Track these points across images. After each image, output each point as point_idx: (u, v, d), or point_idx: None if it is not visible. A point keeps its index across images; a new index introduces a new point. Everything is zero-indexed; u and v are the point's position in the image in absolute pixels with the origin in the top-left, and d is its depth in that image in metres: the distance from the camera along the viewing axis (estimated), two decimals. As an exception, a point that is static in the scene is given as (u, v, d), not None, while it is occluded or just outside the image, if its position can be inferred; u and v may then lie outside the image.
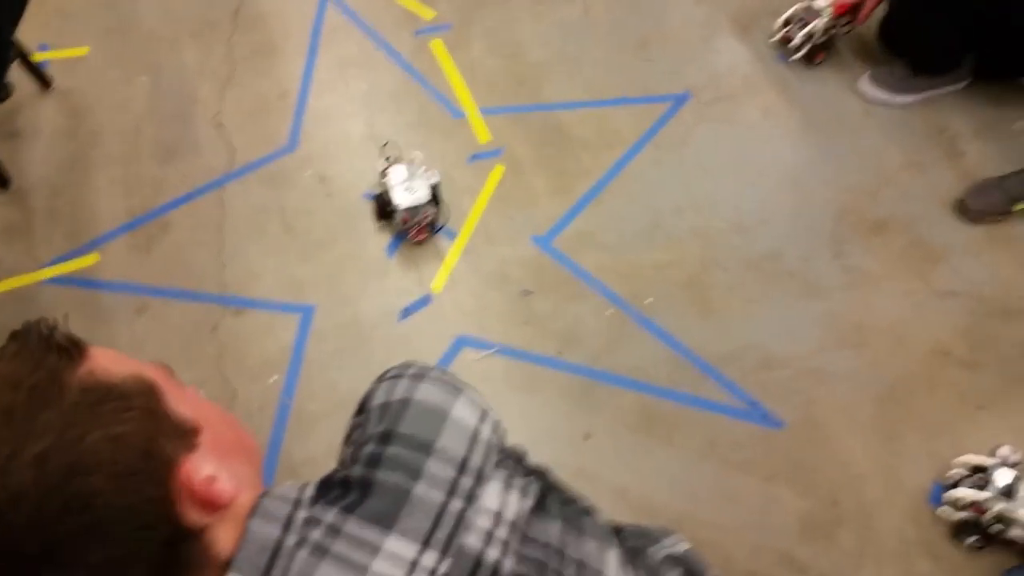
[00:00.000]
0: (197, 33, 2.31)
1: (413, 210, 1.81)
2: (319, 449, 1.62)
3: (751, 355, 1.77)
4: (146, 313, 1.78)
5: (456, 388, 0.86)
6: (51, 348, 0.62)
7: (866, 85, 2.23)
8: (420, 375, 0.86)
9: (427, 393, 0.83)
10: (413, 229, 1.85)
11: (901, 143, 2.14)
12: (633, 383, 1.73)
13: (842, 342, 1.80)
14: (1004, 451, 1.55)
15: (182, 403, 0.69)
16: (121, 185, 1.99)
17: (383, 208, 1.89)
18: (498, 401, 1.65)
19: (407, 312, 1.80)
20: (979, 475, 1.55)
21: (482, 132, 2.12)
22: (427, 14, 2.38)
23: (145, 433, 0.62)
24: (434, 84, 2.21)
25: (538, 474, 0.88)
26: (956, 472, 1.58)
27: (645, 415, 1.69)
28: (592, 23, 2.38)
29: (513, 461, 0.86)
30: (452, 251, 1.90)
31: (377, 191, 1.91)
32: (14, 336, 0.63)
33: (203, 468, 0.66)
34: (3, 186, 1.95)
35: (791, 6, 2.26)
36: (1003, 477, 1.50)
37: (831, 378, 1.75)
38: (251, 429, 1.61)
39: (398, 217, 1.83)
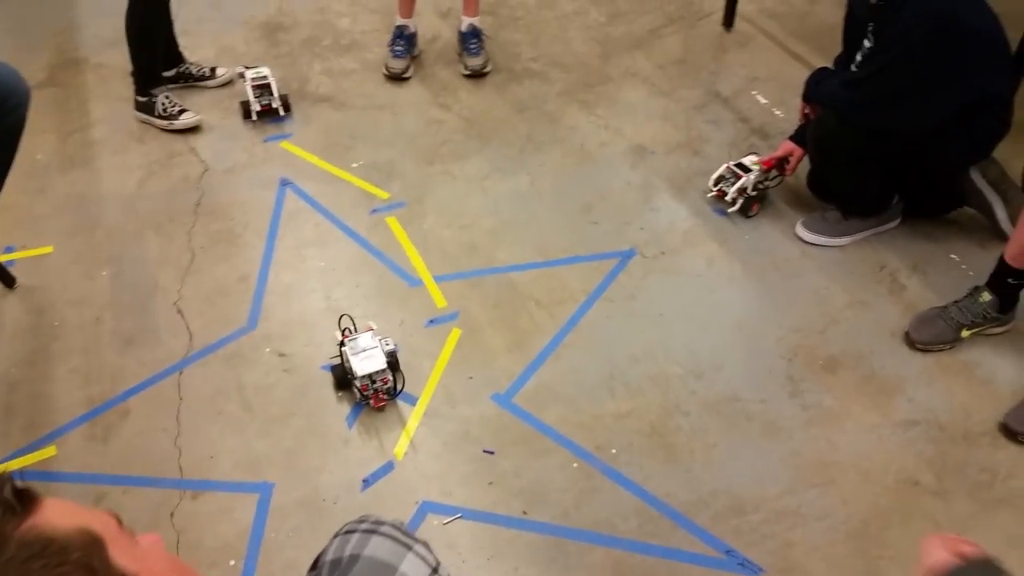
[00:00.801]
0: (159, 226, 2.40)
1: (371, 377, 1.83)
2: (279, 635, 1.54)
3: (721, 500, 1.75)
4: (103, 502, 1.73)
5: (407, 543, 0.86)
6: None
7: (802, 231, 2.35)
8: (372, 530, 0.86)
9: (376, 549, 0.83)
10: (372, 396, 1.86)
11: (843, 282, 2.23)
12: (603, 538, 1.68)
13: (810, 481, 1.78)
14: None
15: (126, 555, 0.68)
16: (81, 375, 1.99)
17: (342, 378, 1.91)
18: (466, 570, 1.61)
19: (369, 481, 1.77)
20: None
21: (438, 297, 2.18)
22: (382, 195, 2.51)
23: None
24: (390, 256, 2.30)
25: None
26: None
27: (619, 572, 1.63)
28: (538, 192, 2.52)
29: None
30: (413, 416, 1.90)
31: (336, 362, 1.93)
32: None
33: None
34: (-40, 385, 1.94)
35: (720, 165, 2.42)
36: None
37: (804, 519, 1.72)
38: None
39: (357, 385, 1.84)
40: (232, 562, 1.64)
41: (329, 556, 0.84)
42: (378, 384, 1.85)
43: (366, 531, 0.86)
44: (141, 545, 0.72)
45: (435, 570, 0.86)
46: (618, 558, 1.66)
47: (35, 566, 0.60)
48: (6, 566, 0.59)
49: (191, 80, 2.93)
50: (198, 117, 2.75)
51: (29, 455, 1.83)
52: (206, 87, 2.93)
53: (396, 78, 2.96)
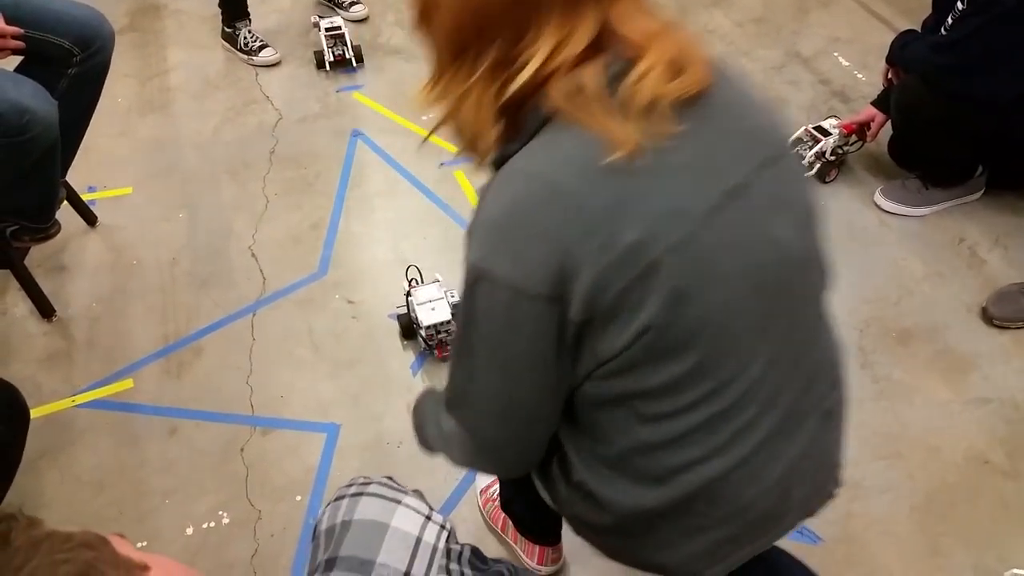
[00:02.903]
0: (234, 172, 2.45)
1: (436, 328, 1.85)
2: (342, 570, 1.59)
3: (782, 467, 1.73)
4: (177, 435, 1.80)
5: (395, 498, 0.88)
6: (3, 519, 0.67)
7: (881, 199, 2.28)
8: (360, 492, 0.88)
9: (365, 511, 0.85)
10: (437, 346, 1.89)
11: (920, 254, 2.16)
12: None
13: (876, 453, 1.75)
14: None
15: (131, 551, 0.71)
16: (157, 313, 2.06)
17: (408, 327, 1.93)
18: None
19: (431, 429, 1.81)
20: (1031, 588, 1.47)
21: (504, 253, 2.18)
22: (451, 148, 2.50)
23: (85, 559, 0.65)
24: (457, 210, 2.31)
25: (495, 572, 0.88)
26: (1007, 586, 1.51)
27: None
28: (608, 151, 2.49)
29: (462, 562, 0.86)
30: (476, 368, 1.92)
31: (402, 311, 1.96)
32: None
33: None
34: (47, 316, 2.03)
35: (798, 128, 2.36)
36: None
37: (867, 491, 1.69)
38: (275, 549, 1.60)
39: (422, 334, 1.87)
40: (298, 497, 1.69)
41: (323, 526, 0.87)
42: (443, 335, 1.87)
43: (354, 495, 0.88)
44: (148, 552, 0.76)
45: (428, 518, 0.88)
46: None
47: (43, 547, 0.64)
48: (15, 554, 0.64)
49: (332, 2, 3.08)
50: (277, 55, 2.81)
51: (108, 386, 1.90)
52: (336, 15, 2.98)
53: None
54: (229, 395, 1.88)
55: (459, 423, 0.93)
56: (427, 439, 1.05)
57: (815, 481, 0.98)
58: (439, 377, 1.91)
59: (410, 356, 1.95)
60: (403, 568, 0.80)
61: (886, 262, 2.15)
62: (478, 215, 0.81)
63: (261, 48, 2.80)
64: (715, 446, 0.86)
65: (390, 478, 0.93)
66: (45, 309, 2.03)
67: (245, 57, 2.82)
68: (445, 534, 0.87)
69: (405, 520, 0.84)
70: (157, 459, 1.76)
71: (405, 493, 0.89)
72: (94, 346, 1.99)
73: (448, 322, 1.86)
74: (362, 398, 1.87)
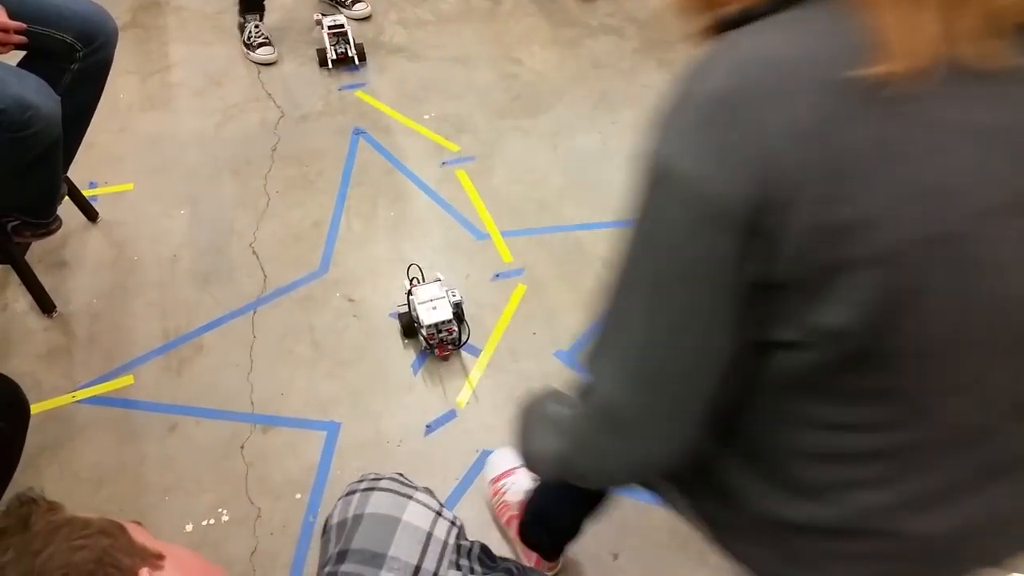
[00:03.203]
0: (235, 169, 2.45)
1: (437, 327, 1.85)
2: (341, 568, 1.59)
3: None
4: (177, 431, 1.80)
5: (407, 494, 0.88)
6: (24, 503, 0.69)
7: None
8: (372, 487, 0.88)
9: (378, 504, 0.85)
10: (437, 346, 1.89)
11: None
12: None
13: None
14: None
15: (147, 539, 0.73)
16: (158, 309, 2.06)
17: (408, 326, 1.94)
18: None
19: (431, 427, 1.81)
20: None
21: (504, 252, 2.19)
22: (453, 147, 2.51)
23: (100, 546, 0.67)
24: (458, 209, 2.31)
25: (503, 569, 0.88)
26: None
27: (676, 533, 1.64)
28: (610, 151, 2.50)
29: (471, 559, 0.86)
30: (476, 367, 1.93)
31: (403, 310, 1.96)
32: (3, 510, 0.71)
33: None
34: (48, 312, 2.03)
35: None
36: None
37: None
38: (274, 548, 1.60)
39: (423, 333, 1.87)
40: (298, 495, 1.69)
41: (335, 520, 0.87)
42: (443, 334, 1.88)
43: (366, 490, 0.88)
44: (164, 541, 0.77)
45: (439, 514, 0.88)
46: (675, 519, 1.66)
47: (61, 532, 0.66)
48: (35, 536, 0.65)
49: (335, 0, 3.08)
50: (274, 55, 2.82)
51: (108, 383, 1.90)
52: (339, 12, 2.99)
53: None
54: (229, 392, 1.88)
55: (590, 394, 0.73)
56: (532, 441, 0.86)
57: (1011, 534, 0.81)
58: (440, 377, 1.91)
59: (411, 355, 1.96)
60: (414, 562, 0.80)
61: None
62: (676, 97, 0.60)
63: (261, 45, 2.81)
64: (889, 476, 0.71)
65: (400, 474, 0.93)
66: (46, 305, 2.03)
67: (245, 50, 2.85)
68: (455, 530, 0.87)
69: (416, 515, 0.85)
70: (157, 456, 1.76)
71: (416, 489, 0.89)
72: (95, 342, 1.99)
73: (449, 321, 1.86)
74: (362, 397, 1.87)
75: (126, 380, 1.91)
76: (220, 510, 1.67)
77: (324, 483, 1.72)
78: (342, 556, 0.80)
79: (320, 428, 1.81)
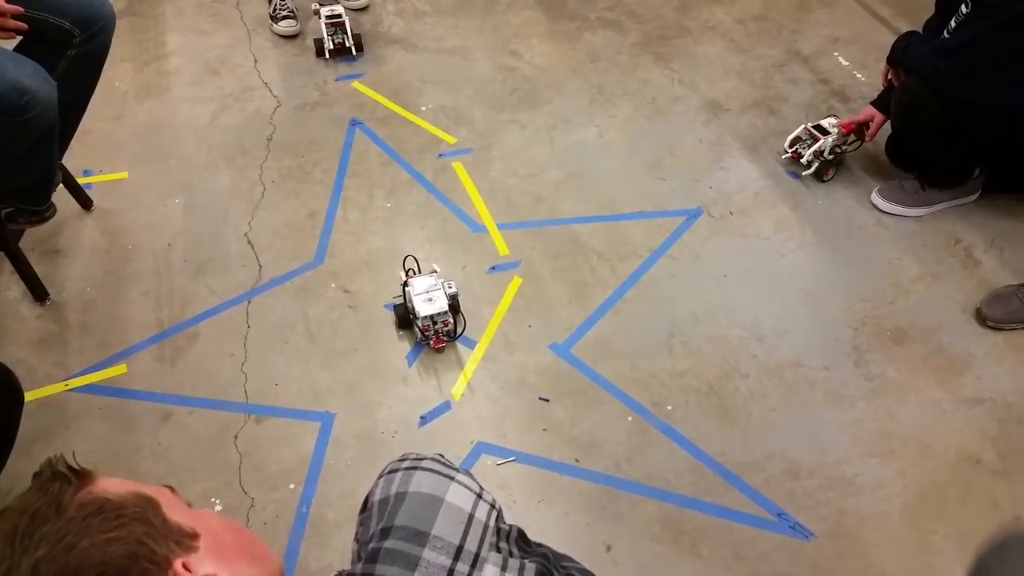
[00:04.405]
0: (231, 159, 2.44)
1: (432, 318, 1.85)
2: (336, 558, 1.58)
3: (776, 464, 1.74)
4: (170, 421, 1.80)
5: (449, 475, 0.88)
6: (55, 478, 0.69)
7: (878, 199, 2.29)
8: (414, 466, 0.88)
9: (421, 483, 0.85)
10: (433, 337, 1.88)
11: (915, 254, 2.17)
12: (655, 492, 1.69)
13: (868, 451, 1.76)
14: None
15: (180, 513, 0.72)
16: (152, 298, 2.05)
17: (404, 317, 1.93)
18: (517, 511, 1.64)
19: (426, 419, 1.81)
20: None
21: (501, 245, 2.18)
22: (450, 139, 2.51)
23: (134, 537, 0.66)
24: (455, 202, 2.30)
25: (540, 555, 0.88)
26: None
27: (669, 525, 1.65)
28: (607, 145, 2.49)
29: (510, 542, 0.87)
30: (471, 359, 1.92)
31: (398, 301, 1.96)
32: (35, 475, 0.71)
33: (202, 568, 0.69)
34: (41, 300, 2.02)
35: (797, 127, 2.36)
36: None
37: (859, 488, 1.70)
38: (267, 538, 1.60)
39: (419, 325, 1.87)
40: (292, 486, 1.69)
41: (377, 497, 0.87)
42: (439, 326, 1.87)
43: (408, 468, 0.88)
44: (197, 510, 0.76)
45: (479, 495, 0.89)
46: (668, 511, 1.67)
47: (94, 521, 0.66)
48: (68, 524, 0.65)
49: None
50: (296, 28, 2.88)
51: (101, 371, 1.90)
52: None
53: None
54: (223, 382, 1.88)
55: None
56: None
57: None
58: (435, 368, 1.91)
59: (406, 346, 1.95)
60: (456, 542, 0.80)
61: (882, 262, 2.15)
62: None
63: (284, 18, 2.88)
64: None
65: (441, 455, 0.94)
66: (39, 292, 2.02)
67: (269, 22, 2.92)
68: (495, 513, 0.88)
69: (458, 496, 0.85)
70: (150, 445, 1.76)
71: (456, 470, 0.90)
72: (88, 330, 1.98)
73: (444, 313, 1.85)
74: (357, 387, 1.86)
75: (119, 369, 1.90)
76: (213, 500, 1.67)
77: (318, 474, 1.71)
78: (386, 532, 0.79)
79: (314, 419, 1.80)
